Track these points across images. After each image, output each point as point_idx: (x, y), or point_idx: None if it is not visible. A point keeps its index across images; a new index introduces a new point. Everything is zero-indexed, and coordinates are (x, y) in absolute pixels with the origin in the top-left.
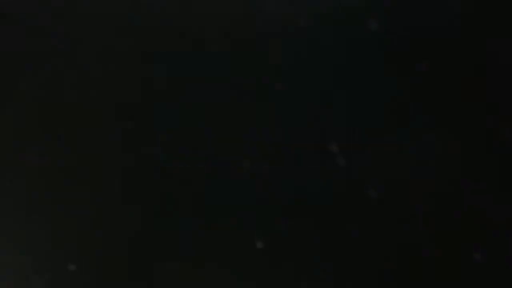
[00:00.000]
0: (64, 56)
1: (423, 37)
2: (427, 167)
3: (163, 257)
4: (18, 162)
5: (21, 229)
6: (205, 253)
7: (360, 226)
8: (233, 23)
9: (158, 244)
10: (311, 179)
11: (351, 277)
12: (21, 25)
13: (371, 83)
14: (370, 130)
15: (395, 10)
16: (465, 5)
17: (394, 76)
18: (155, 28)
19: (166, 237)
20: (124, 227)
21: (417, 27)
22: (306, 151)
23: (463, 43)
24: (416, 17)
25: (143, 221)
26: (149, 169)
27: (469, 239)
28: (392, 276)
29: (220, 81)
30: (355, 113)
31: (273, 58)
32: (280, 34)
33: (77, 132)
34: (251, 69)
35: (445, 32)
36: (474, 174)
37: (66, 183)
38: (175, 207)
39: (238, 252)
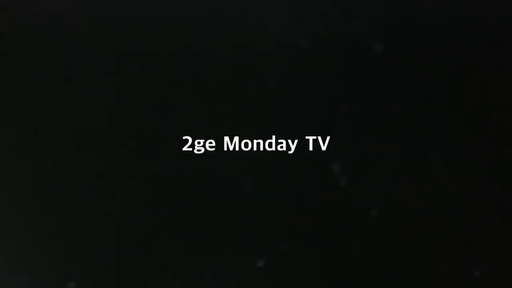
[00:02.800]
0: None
1: (426, 59)
2: (427, 187)
3: (163, 275)
4: (16, 177)
5: (19, 247)
6: (205, 272)
7: (360, 245)
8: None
9: (157, 262)
10: (313, 198)
11: None
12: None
13: (374, 104)
14: (372, 151)
15: (399, 34)
16: (467, 28)
17: (397, 97)
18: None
19: (165, 255)
20: (123, 245)
21: (420, 49)
22: (307, 171)
23: (465, 64)
24: (419, 39)
25: (142, 239)
26: (149, 187)
27: (469, 256)
28: None
29: (221, 100)
30: (357, 133)
31: (277, 77)
32: (286, 55)
33: (76, 145)
34: (255, 85)
35: (447, 53)
36: (474, 192)
37: (65, 201)
38: (175, 225)
39: (239, 271)
